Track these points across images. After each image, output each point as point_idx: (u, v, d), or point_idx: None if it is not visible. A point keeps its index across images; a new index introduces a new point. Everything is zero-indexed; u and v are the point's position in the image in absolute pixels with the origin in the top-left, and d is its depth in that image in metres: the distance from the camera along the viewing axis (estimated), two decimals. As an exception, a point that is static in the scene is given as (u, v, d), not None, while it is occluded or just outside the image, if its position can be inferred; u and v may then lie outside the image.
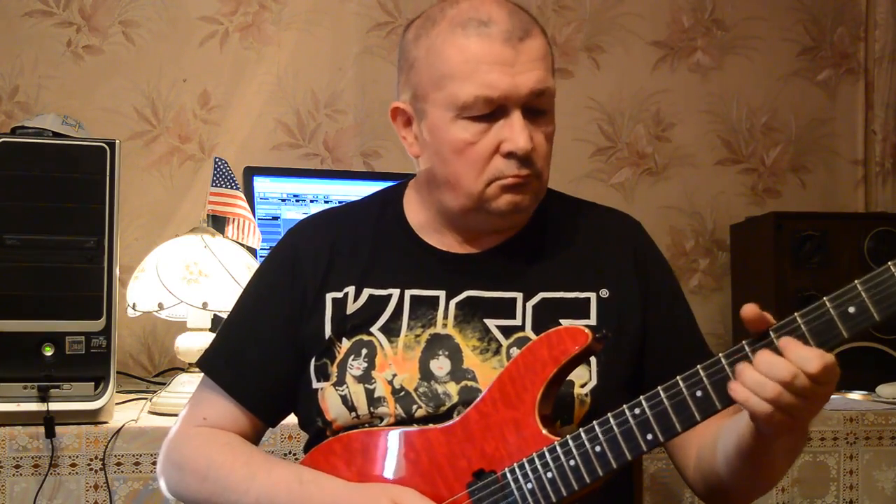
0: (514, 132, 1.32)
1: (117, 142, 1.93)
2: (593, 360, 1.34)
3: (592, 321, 1.38)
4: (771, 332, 1.13)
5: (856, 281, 1.09)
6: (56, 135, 1.95)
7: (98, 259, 1.89)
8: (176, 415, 1.95)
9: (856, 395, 2.36)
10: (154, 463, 1.86)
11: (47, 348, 1.86)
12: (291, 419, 1.53)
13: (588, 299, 1.39)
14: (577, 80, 2.95)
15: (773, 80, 3.05)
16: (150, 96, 2.70)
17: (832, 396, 2.39)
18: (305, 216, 1.57)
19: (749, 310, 1.14)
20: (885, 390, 2.33)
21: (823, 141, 3.09)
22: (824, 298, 1.10)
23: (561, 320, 1.36)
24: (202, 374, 1.50)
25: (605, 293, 1.40)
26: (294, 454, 1.89)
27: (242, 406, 1.44)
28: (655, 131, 2.99)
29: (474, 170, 1.34)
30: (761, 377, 1.11)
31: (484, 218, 1.39)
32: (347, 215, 1.52)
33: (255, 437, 1.48)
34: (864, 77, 3.10)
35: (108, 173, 1.91)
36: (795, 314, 1.12)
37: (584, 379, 1.34)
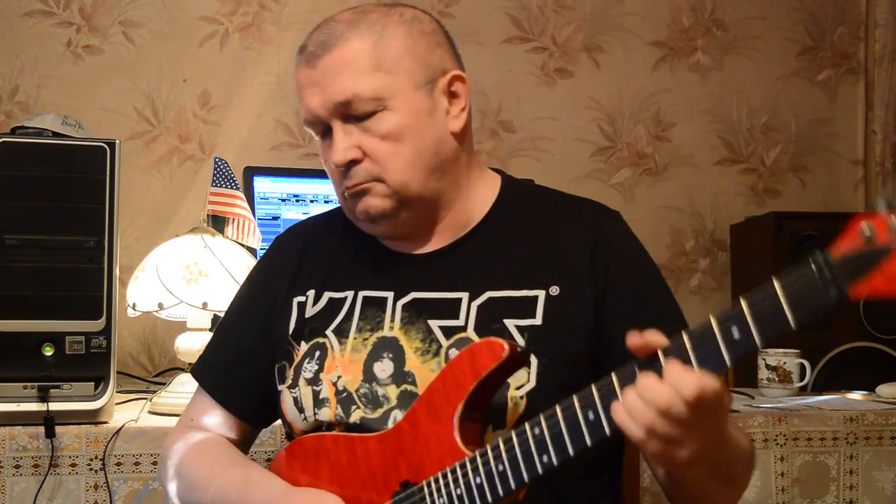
0: (331, 147, 1.36)
1: (117, 142, 1.93)
2: (534, 361, 1.30)
3: (538, 321, 1.32)
4: (659, 352, 1.06)
5: (741, 297, 1.01)
6: (56, 135, 1.95)
7: (98, 259, 1.89)
8: (176, 415, 1.96)
9: (856, 395, 2.36)
10: (154, 463, 1.87)
11: (47, 348, 1.86)
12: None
13: (536, 297, 1.34)
14: (577, 80, 2.95)
15: (773, 80, 3.06)
16: (150, 96, 2.70)
17: (832, 397, 2.39)
18: (290, 225, 1.61)
19: (632, 340, 1.07)
20: (885, 390, 2.33)
21: (823, 141, 3.09)
22: (710, 316, 1.03)
23: (505, 320, 1.32)
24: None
25: (555, 290, 1.34)
26: (294, 454, 1.89)
27: (226, 410, 1.49)
28: (655, 131, 2.99)
29: (334, 183, 1.41)
30: (639, 402, 1.04)
31: (365, 226, 1.41)
32: (322, 222, 1.55)
33: (243, 440, 1.52)
34: (864, 77, 3.10)
35: (108, 173, 1.91)
36: (682, 332, 1.04)
37: (521, 381, 1.29)
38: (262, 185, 2.47)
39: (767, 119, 3.05)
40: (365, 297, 1.40)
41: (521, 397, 1.29)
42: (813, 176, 3.08)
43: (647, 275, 1.41)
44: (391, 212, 1.36)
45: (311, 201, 2.50)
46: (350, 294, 1.41)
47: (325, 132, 1.38)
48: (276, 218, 2.47)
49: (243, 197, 2.22)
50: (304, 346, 1.41)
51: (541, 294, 1.34)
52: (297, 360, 1.41)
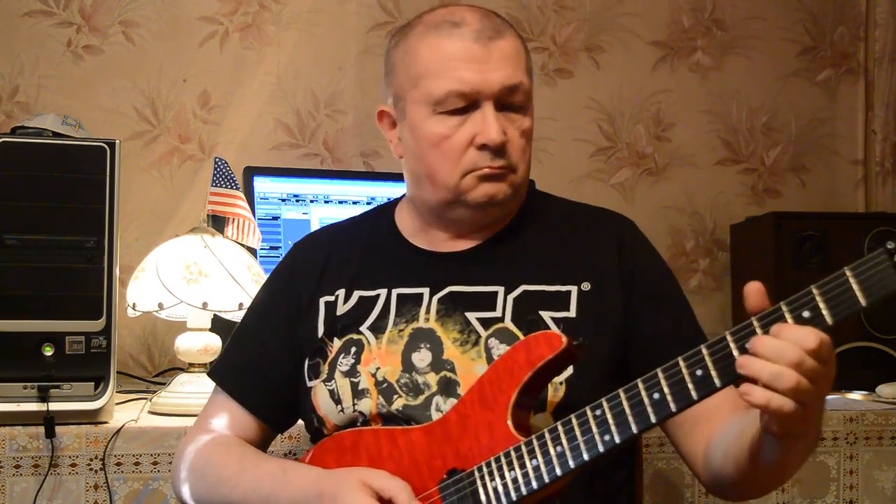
0: (487, 125, 1.37)
1: (117, 142, 1.93)
2: None
3: (572, 314, 1.39)
4: (754, 321, 1.12)
5: (812, 286, 1.08)
6: (56, 135, 1.95)
7: (98, 259, 1.89)
8: (176, 415, 1.96)
9: (856, 395, 2.36)
10: (154, 463, 1.87)
11: (47, 348, 1.86)
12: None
13: (569, 292, 1.41)
14: (577, 80, 2.95)
15: (773, 80, 3.05)
16: (150, 96, 2.70)
17: (832, 397, 2.40)
18: (309, 232, 1.65)
19: (754, 286, 1.13)
20: (885, 390, 2.33)
21: (823, 141, 3.09)
22: (781, 303, 1.10)
23: (540, 311, 1.39)
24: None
25: (586, 286, 1.42)
26: (294, 454, 1.89)
27: (247, 411, 1.50)
28: (655, 131, 2.99)
29: (450, 162, 1.40)
30: (776, 367, 1.07)
31: (463, 211, 1.43)
32: (344, 229, 1.60)
33: (261, 443, 1.53)
34: (864, 77, 3.10)
35: (108, 173, 1.91)
36: (780, 303, 1.11)
37: None
38: (262, 185, 2.47)
39: (767, 119, 3.05)
40: (399, 295, 1.44)
41: (561, 383, 1.35)
42: (813, 176, 3.08)
43: (667, 279, 1.50)
44: (506, 201, 1.43)
45: (312, 201, 2.50)
46: (383, 292, 1.45)
47: (464, 109, 1.39)
48: (276, 218, 2.47)
49: (243, 197, 2.22)
50: (337, 343, 1.44)
51: (573, 289, 1.42)
52: (331, 355, 1.44)
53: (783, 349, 1.07)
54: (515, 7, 2.91)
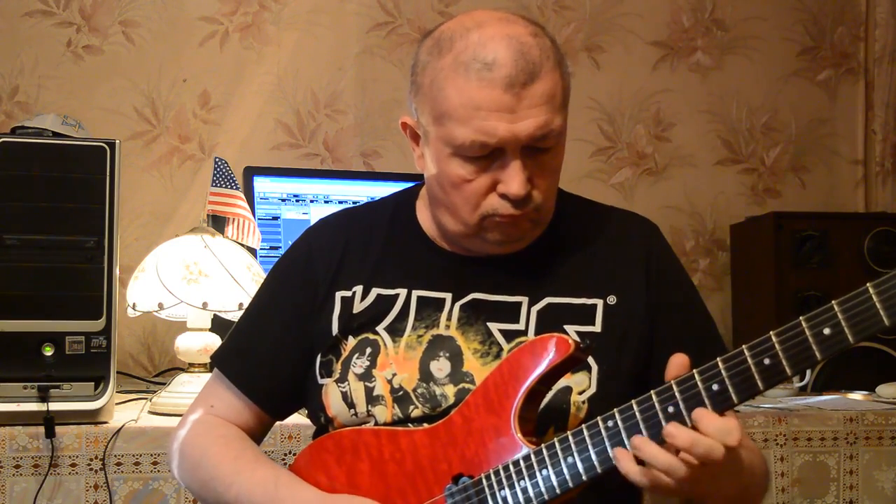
0: (510, 176, 1.30)
1: (117, 142, 1.93)
2: (594, 367, 1.34)
3: (597, 328, 1.37)
4: (745, 349, 1.11)
5: (833, 301, 1.06)
6: (56, 135, 1.95)
7: (98, 259, 1.89)
8: (176, 415, 1.96)
9: (856, 395, 2.36)
10: (154, 463, 1.87)
11: (47, 348, 1.86)
12: (291, 418, 1.54)
13: (595, 305, 1.38)
14: (577, 80, 2.91)
15: (773, 80, 3.06)
16: (150, 96, 2.71)
17: (832, 397, 2.39)
18: (323, 216, 1.57)
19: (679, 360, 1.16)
20: (885, 390, 2.33)
21: (823, 141, 3.09)
22: (800, 318, 1.08)
23: (566, 326, 1.35)
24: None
25: (612, 300, 1.39)
26: (294, 454, 1.89)
27: (248, 398, 1.47)
28: (655, 131, 2.99)
29: (469, 204, 1.34)
30: (670, 458, 1.12)
31: (480, 243, 1.39)
32: (362, 216, 1.53)
33: (259, 430, 1.50)
34: (864, 77, 3.10)
35: (108, 173, 1.91)
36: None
37: (583, 386, 1.33)
38: (262, 185, 2.47)
39: (767, 119, 3.05)
40: (420, 297, 1.41)
41: (584, 402, 1.32)
42: (813, 176, 3.09)
43: (691, 291, 1.48)
44: (525, 235, 1.38)
45: (312, 201, 2.50)
46: (402, 292, 1.41)
47: (489, 155, 1.31)
48: (276, 218, 2.47)
49: (243, 197, 2.22)
50: (351, 341, 1.40)
51: (599, 303, 1.39)
52: (344, 354, 1.40)
53: (695, 443, 1.11)
54: (515, 7, 2.91)
